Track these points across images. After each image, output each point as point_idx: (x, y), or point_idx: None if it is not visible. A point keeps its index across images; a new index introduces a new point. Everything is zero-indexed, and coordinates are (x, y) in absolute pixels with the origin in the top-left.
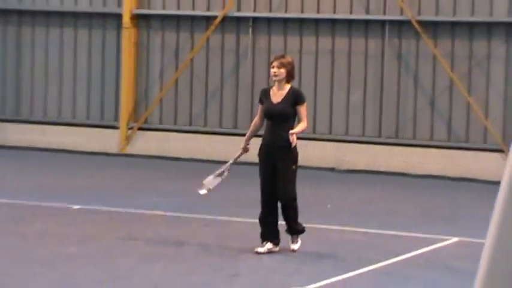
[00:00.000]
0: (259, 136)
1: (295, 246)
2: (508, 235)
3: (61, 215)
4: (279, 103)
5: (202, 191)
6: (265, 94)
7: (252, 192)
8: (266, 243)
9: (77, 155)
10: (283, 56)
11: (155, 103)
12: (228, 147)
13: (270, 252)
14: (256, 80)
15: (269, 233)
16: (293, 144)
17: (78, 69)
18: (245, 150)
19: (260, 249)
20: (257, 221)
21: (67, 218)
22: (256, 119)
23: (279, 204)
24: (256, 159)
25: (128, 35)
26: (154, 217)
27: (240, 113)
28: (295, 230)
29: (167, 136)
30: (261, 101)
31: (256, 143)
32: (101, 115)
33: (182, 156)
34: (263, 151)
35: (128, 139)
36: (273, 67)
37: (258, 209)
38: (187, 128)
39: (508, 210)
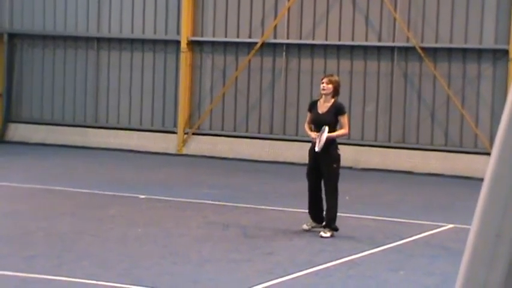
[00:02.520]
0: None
1: (324, 234)
2: (490, 221)
3: (130, 203)
4: (324, 113)
5: (317, 148)
6: (314, 105)
7: (285, 186)
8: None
9: (143, 155)
10: (331, 75)
11: (206, 113)
12: (265, 149)
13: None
14: (288, 95)
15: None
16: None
17: (144, 86)
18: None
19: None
20: (288, 209)
21: (135, 205)
22: (306, 124)
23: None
24: (287, 160)
25: (185, 57)
26: (204, 205)
27: (275, 121)
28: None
29: (216, 140)
30: (309, 110)
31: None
32: (162, 122)
33: (228, 157)
34: (311, 152)
35: (184, 142)
36: (323, 83)
37: (290, 200)
38: (232, 133)
39: (489, 204)
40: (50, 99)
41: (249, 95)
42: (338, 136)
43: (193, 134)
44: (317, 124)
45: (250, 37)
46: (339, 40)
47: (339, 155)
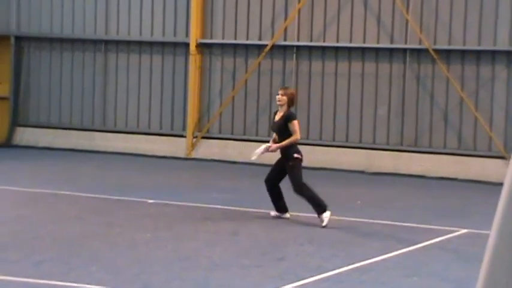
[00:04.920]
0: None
1: (323, 223)
2: (509, 227)
3: (139, 207)
4: (277, 121)
5: (253, 157)
6: (275, 114)
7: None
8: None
9: (152, 159)
10: (286, 88)
11: (216, 116)
12: (275, 153)
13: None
14: (298, 98)
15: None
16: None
17: (153, 89)
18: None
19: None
20: (298, 214)
21: (144, 209)
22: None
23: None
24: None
25: (194, 60)
26: (214, 210)
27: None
28: (316, 208)
29: (225, 143)
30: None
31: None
32: (171, 126)
33: (238, 161)
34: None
35: (193, 146)
36: (278, 95)
37: (299, 206)
38: (242, 137)
39: (509, 207)
40: (57, 102)
41: (259, 98)
42: (289, 144)
43: (203, 137)
44: (274, 131)
45: (260, 39)
46: (350, 42)
47: (294, 157)
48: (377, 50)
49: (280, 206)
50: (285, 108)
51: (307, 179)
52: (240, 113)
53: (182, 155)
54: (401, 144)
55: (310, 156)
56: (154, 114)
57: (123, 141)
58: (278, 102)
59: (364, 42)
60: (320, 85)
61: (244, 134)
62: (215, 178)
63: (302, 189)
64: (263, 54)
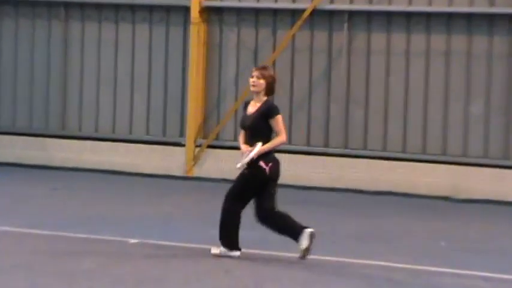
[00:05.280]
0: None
1: (215, 251)
2: None
3: (115, 251)
4: (250, 114)
5: (238, 165)
6: (246, 105)
7: (347, 224)
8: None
9: (134, 178)
10: (265, 67)
11: (229, 115)
12: (317, 169)
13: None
14: (351, 88)
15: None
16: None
17: (136, 74)
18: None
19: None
20: (352, 260)
21: (122, 254)
22: (241, 133)
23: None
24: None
25: (197, 31)
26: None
27: (332, 128)
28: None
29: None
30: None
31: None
32: (163, 129)
33: None
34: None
35: (195, 159)
36: (252, 77)
37: (352, 245)
38: None
39: None
40: None
41: (292, 88)
42: (272, 147)
43: (209, 147)
44: (244, 128)
45: (294, 1)
46: (429, 5)
47: (258, 165)
48: (470, 17)
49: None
50: (262, 96)
51: (366, 206)
52: None
53: (179, 173)
54: (508, 158)
55: (370, 174)
56: (137, 112)
57: (91, 152)
58: (253, 88)
59: (449, 5)
60: (383, 69)
61: None
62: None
63: (231, 209)
64: (299, 23)
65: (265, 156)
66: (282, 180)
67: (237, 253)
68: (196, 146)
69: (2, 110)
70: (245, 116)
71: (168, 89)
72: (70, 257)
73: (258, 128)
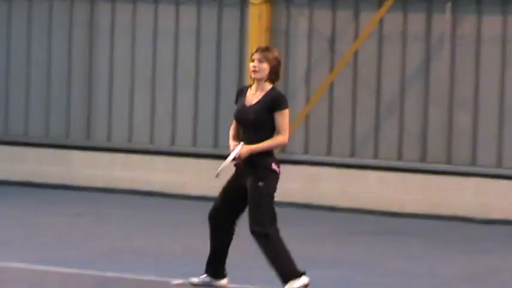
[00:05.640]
0: None
1: None
2: None
3: None
4: (252, 106)
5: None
6: (241, 94)
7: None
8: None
9: (178, 200)
10: (267, 48)
11: (297, 121)
12: (412, 192)
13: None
14: (456, 85)
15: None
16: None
17: (179, 69)
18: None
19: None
20: None
21: None
22: (232, 126)
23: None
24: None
25: (257, 14)
26: None
27: (430, 139)
28: (279, 273)
29: (317, 173)
30: (236, 101)
31: None
32: (214, 140)
33: (339, 205)
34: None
35: None
36: (253, 60)
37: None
38: (347, 161)
39: None
40: (2, 96)
41: (379, 86)
42: (268, 147)
43: None
44: (242, 123)
45: None
46: None
47: (271, 172)
48: None
49: (221, 265)
50: (265, 84)
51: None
52: (345, 117)
53: None
54: None
55: (480, 196)
56: (182, 118)
57: (123, 168)
58: (254, 75)
59: None
60: (498, 62)
61: (352, 155)
62: (297, 237)
63: (270, 232)
64: (388, 3)
65: (272, 154)
66: (364, 204)
67: (305, 280)
68: None
69: (12, 115)
70: (244, 107)
71: (221, 88)
72: None
73: (263, 122)
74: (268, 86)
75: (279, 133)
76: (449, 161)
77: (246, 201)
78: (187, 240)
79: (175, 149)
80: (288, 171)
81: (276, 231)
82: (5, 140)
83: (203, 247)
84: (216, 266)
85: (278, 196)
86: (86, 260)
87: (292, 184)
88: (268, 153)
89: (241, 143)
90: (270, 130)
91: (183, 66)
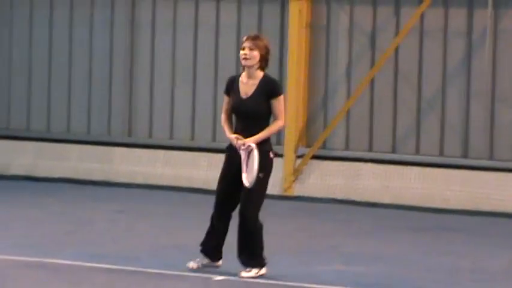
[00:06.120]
0: None
1: (245, 274)
2: None
3: None
4: (249, 98)
5: (247, 183)
6: (232, 84)
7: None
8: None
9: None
10: (258, 36)
11: (338, 117)
12: (454, 188)
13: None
14: (498, 80)
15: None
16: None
17: (220, 65)
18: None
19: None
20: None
21: None
22: (223, 116)
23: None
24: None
25: (298, 10)
26: None
27: (472, 135)
28: (253, 257)
29: (358, 169)
30: (227, 92)
31: None
32: None
33: (380, 201)
34: (232, 152)
35: (296, 173)
36: (243, 48)
37: None
38: (388, 156)
39: None
40: (42, 92)
41: (420, 81)
42: (270, 134)
43: (313, 157)
44: (241, 116)
45: None
46: None
47: (270, 162)
48: None
49: (220, 247)
50: (256, 71)
51: None
52: (386, 112)
53: (275, 191)
54: None
55: None
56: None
57: (165, 164)
58: (245, 62)
59: None
60: None
61: (393, 151)
62: (339, 234)
63: (256, 220)
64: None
65: (269, 143)
66: (407, 200)
67: (264, 271)
68: (298, 157)
69: (54, 111)
70: (241, 100)
71: None
72: None
73: (263, 112)
74: (260, 74)
75: (276, 118)
76: (491, 157)
77: (241, 188)
78: (228, 236)
79: (216, 145)
80: (329, 167)
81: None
82: (48, 138)
83: None
84: (216, 248)
85: (319, 191)
86: (129, 256)
87: (333, 180)
88: (266, 142)
89: (253, 145)
90: (268, 119)
91: (223, 62)
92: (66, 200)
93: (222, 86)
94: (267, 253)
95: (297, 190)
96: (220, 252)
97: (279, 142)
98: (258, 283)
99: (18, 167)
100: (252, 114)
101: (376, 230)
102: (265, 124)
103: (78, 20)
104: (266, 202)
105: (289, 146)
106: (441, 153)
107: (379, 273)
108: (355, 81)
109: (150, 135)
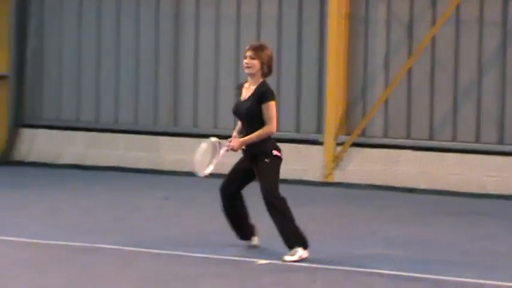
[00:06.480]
0: None
1: (288, 258)
2: None
3: (240, 273)
4: (245, 101)
5: (206, 171)
6: (240, 89)
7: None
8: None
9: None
10: (260, 46)
11: (377, 105)
12: (491, 173)
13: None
14: None
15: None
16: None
17: None
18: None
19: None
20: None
21: (248, 277)
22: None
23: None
24: None
25: (336, 2)
26: (373, 277)
27: (509, 121)
28: (286, 239)
29: (396, 155)
30: (236, 96)
31: None
32: (296, 124)
33: (419, 187)
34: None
35: (336, 160)
36: (246, 57)
37: None
38: (425, 143)
39: None
40: (92, 84)
41: (457, 70)
42: (257, 138)
43: (353, 145)
44: (238, 116)
45: None
46: None
47: (272, 154)
48: None
49: (245, 227)
50: (258, 78)
51: None
52: (424, 101)
53: (316, 177)
54: None
55: None
56: None
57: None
58: (247, 70)
59: None
60: None
61: (431, 138)
62: (378, 219)
63: (278, 199)
64: None
65: (271, 143)
66: (443, 185)
67: (306, 252)
68: (338, 144)
69: (103, 102)
70: (239, 103)
71: (302, 74)
72: (186, 282)
73: (254, 115)
74: (260, 80)
75: (266, 123)
76: None
77: (249, 178)
78: (270, 221)
79: None
80: (367, 154)
81: (283, 198)
82: (97, 128)
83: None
84: (243, 226)
85: (358, 178)
86: (176, 241)
87: (372, 166)
88: (266, 142)
89: (224, 148)
90: (263, 122)
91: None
92: (115, 188)
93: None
94: (309, 237)
95: (338, 177)
96: (247, 230)
97: (320, 130)
98: (301, 266)
99: (68, 156)
100: (244, 116)
101: (415, 215)
102: (258, 127)
103: (125, 14)
104: (308, 188)
105: (329, 134)
106: (477, 140)
107: (419, 257)
108: (393, 71)
109: (195, 125)
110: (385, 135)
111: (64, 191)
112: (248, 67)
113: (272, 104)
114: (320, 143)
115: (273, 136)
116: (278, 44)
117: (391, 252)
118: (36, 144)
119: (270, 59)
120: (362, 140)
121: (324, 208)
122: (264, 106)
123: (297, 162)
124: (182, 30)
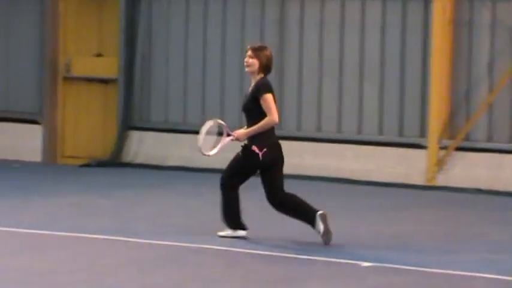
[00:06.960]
0: None
1: (220, 233)
2: None
3: (344, 275)
4: (246, 96)
5: (211, 152)
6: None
7: None
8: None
9: (364, 186)
10: (260, 46)
11: (481, 110)
12: None
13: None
14: None
15: None
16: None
17: (366, 60)
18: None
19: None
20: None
21: (353, 279)
22: None
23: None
24: None
25: (441, 7)
26: (477, 281)
27: None
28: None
29: (500, 160)
30: None
31: None
32: (399, 128)
33: None
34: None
35: (439, 164)
36: (246, 56)
37: None
38: None
39: None
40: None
41: None
42: (260, 129)
43: (457, 149)
44: (242, 111)
45: None
46: None
47: (251, 149)
48: None
49: (240, 218)
50: (257, 76)
51: None
52: None
53: (420, 181)
54: None
55: None
56: (368, 107)
57: (313, 156)
58: (247, 69)
59: None
60: None
61: None
62: (483, 222)
63: (225, 185)
64: None
65: (259, 140)
66: (491, 185)
67: (242, 233)
68: (441, 148)
69: (208, 106)
70: (244, 99)
71: (406, 78)
72: (292, 284)
73: (252, 109)
74: (259, 77)
75: (266, 115)
76: None
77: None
78: (374, 224)
79: (361, 137)
80: (472, 158)
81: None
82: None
83: (389, 230)
84: (239, 219)
85: (462, 182)
86: (280, 243)
87: (477, 171)
88: (260, 135)
89: (230, 137)
90: (259, 115)
91: (368, 59)
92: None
93: (367, 81)
94: (413, 240)
95: (441, 180)
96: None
97: (423, 134)
98: (405, 269)
99: (175, 158)
100: (245, 111)
101: None
102: (256, 120)
103: (231, 17)
104: (411, 192)
105: (432, 138)
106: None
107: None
108: (497, 75)
109: (299, 129)
110: (489, 140)
111: (173, 193)
112: (248, 66)
113: (267, 97)
114: (424, 147)
115: (377, 139)
116: (381, 50)
117: (496, 257)
118: (144, 146)
119: (268, 59)
120: (466, 144)
121: (428, 212)
122: (261, 100)
123: (400, 166)
124: (286, 35)
